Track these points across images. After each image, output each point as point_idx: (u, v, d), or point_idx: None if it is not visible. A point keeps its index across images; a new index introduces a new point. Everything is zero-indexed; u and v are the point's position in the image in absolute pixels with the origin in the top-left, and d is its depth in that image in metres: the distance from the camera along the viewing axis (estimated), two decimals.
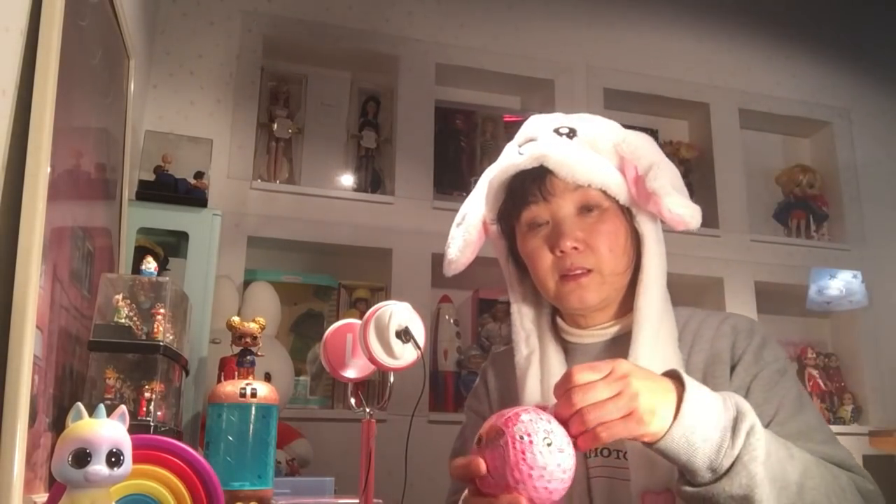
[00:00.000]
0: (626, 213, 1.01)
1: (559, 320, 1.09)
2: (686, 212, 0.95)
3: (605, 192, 0.98)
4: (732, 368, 0.96)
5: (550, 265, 1.00)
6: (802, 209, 2.91)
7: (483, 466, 0.71)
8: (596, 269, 0.98)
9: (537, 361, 1.04)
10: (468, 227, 1.12)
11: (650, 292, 0.98)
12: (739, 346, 0.98)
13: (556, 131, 1.02)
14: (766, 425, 0.87)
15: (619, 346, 1.00)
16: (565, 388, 0.75)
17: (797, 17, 3.11)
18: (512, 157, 1.03)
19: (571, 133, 1.02)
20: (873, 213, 2.95)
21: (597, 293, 0.99)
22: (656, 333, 0.96)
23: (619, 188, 0.99)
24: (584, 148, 1.00)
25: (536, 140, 1.03)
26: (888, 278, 2.84)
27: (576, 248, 0.97)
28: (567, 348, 1.06)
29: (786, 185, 2.95)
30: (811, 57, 3.06)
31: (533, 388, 1.03)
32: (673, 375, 0.80)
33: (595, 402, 0.73)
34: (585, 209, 0.99)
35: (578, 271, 0.98)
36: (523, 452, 0.68)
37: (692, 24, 2.94)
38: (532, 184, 1.00)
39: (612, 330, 1.04)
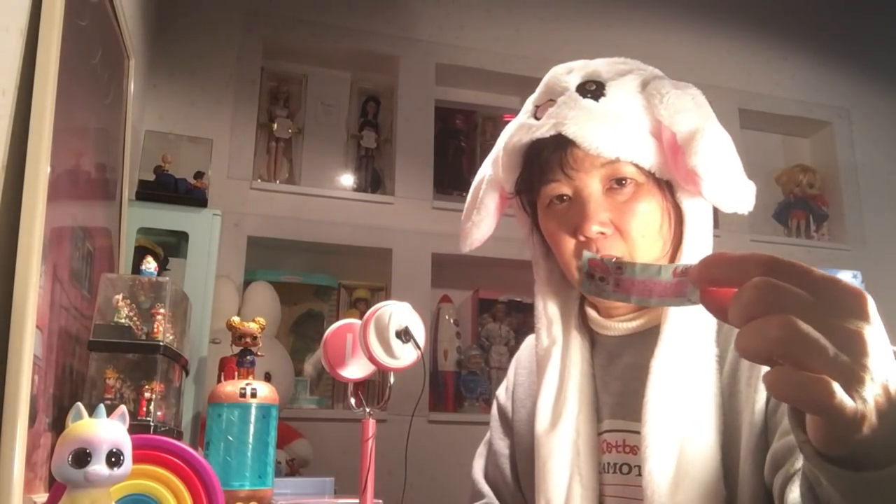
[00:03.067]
0: (666, 187, 0.86)
1: (588, 308, 0.95)
2: (730, 197, 0.80)
3: (638, 166, 0.83)
4: None
5: (574, 251, 0.85)
6: (802, 209, 2.91)
7: None
8: (627, 257, 0.83)
9: (558, 355, 0.93)
10: (483, 199, 0.97)
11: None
12: None
13: (582, 88, 0.86)
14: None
15: (652, 338, 0.85)
16: (757, 269, 0.42)
17: (797, 18, 3.11)
18: (528, 122, 0.89)
19: (598, 91, 0.85)
20: (873, 213, 2.95)
21: None
22: (688, 327, 0.81)
23: (654, 161, 0.83)
24: (613, 111, 0.83)
25: (556, 101, 0.87)
26: (888, 278, 2.83)
27: (602, 234, 0.83)
28: (595, 340, 0.94)
29: (786, 185, 2.95)
30: (811, 57, 3.06)
31: (550, 386, 0.92)
32: None
33: (801, 316, 0.39)
34: (617, 183, 0.83)
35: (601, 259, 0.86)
36: None
37: (692, 25, 2.94)
38: (552, 156, 0.85)
39: (640, 322, 0.89)
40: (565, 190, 0.86)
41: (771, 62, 3.01)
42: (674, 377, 0.81)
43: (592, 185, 0.84)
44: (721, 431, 0.79)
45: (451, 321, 2.42)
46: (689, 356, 0.80)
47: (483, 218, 0.97)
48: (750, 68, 2.96)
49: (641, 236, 0.83)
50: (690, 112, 0.82)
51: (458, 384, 2.39)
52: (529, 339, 1.07)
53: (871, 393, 0.39)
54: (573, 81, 0.88)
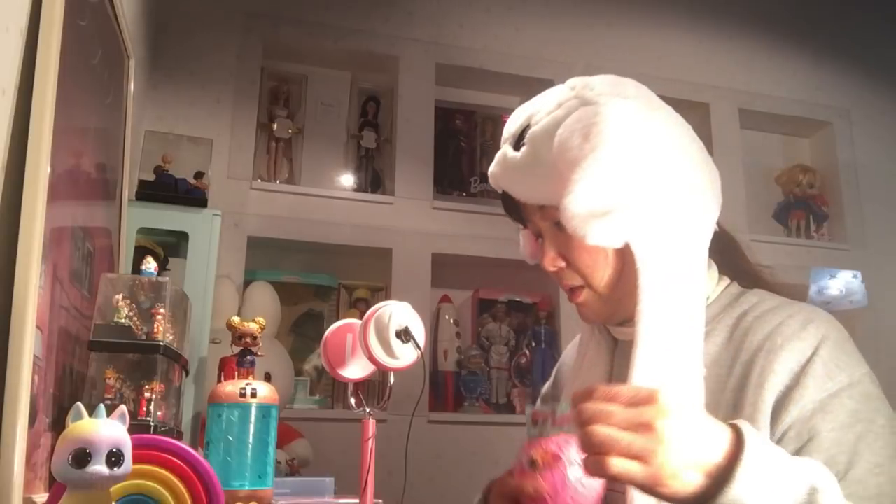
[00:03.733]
0: None
1: None
2: (590, 234, 0.79)
3: None
4: (784, 399, 0.77)
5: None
6: (802, 209, 2.91)
7: (542, 488, 0.70)
8: (586, 285, 0.88)
9: (582, 356, 0.97)
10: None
11: (646, 298, 0.80)
12: (808, 377, 0.77)
13: (515, 137, 0.91)
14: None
15: None
16: (581, 400, 0.64)
17: (797, 18, 3.10)
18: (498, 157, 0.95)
19: (519, 142, 0.89)
20: (873, 213, 2.94)
21: (597, 309, 0.90)
22: (664, 342, 0.80)
23: None
24: (530, 160, 0.86)
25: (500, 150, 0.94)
26: (888, 278, 2.83)
27: (556, 270, 0.89)
28: (618, 344, 0.94)
29: (786, 185, 2.95)
30: (811, 57, 3.06)
31: (569, 386, 0.97)
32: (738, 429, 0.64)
33: (607, 423, 0.61)
34: (559, 224, 0.84)
35: (571, 288, 0.90)
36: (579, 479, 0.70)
37: (692, 25, 2.94)
38: (510, 206, 0.94)
39: None
40: (534, 230, 0.93)
41: (771, 62, 3.01)
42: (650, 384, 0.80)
43: (544, 226, 0.90)
44: None
45: (451, 321, 2.42)
46: (664, 370, 0.79)
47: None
48: (750, 68, 2.96)
49: (588, 267, 0.87)
50: (573, 150, 0.80)
51: (458, 384, 2.39)
52: (575, 339, 1.11)
53: (667, 457, 0.60)
54: (508, 132, 0.94)
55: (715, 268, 0.94)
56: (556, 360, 1.18)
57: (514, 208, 0.94)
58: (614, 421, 0.61)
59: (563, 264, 0.89)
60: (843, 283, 2.73)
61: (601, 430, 0.61)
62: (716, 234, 0.89)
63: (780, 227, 2.94)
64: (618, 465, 0.60)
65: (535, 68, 2.65)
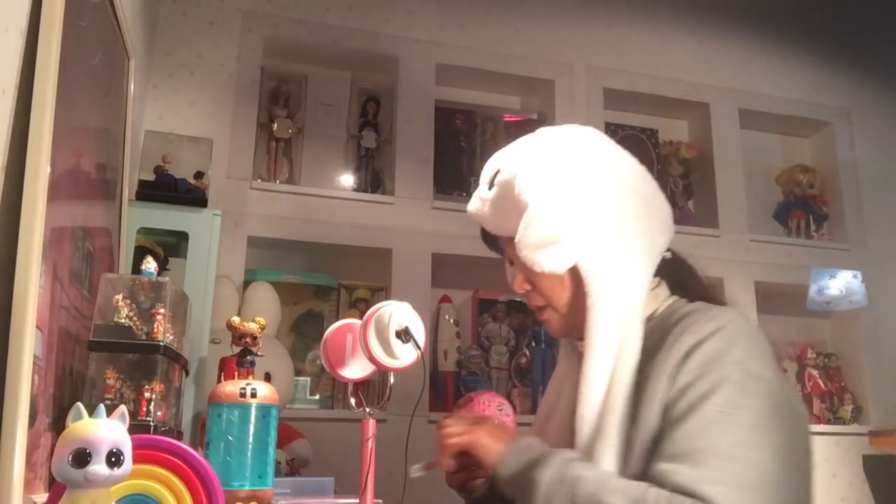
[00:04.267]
0: None
1: None
2: (538, 262, 0.96)
3: None
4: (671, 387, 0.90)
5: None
6: (802, 209, 2.91)
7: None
8: (548, 305, 1.03)
9: (559, 368, 1.17)
10: None
11: (592, 316, 0.95)
12: (685, 370, 0.90)
13: (489, 178, 1.05)
14: (658, 446, 0.87)
15: None
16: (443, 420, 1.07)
17: (797, 17, 3.10)
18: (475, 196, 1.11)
19: (492, 182, 1.04)
20: (873, 213, 2.94)
21: (560, 325, 1.05)
22: (605, 353, 0.94)
23: None
24: (499, 197, 1.02)
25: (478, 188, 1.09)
26: (888, 278, 2.83)
27: (524, 293, 1.05)
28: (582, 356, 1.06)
29: (786, 185, 2.95)
30: (811, 57, 3.06)
31: (548, 391, 1.19)
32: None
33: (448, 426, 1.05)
34: None
35: (536, 307, 1.06)
36: None
37: (692, 25, 2.94)
38: (487, 238, 1.10)
39: None
40: (507, 258, 1.09)
41: (771, 62, 3.01)
42: (592, 394, 0.95)
43: (513, 255, 1.02)
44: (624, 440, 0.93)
45: (451, 321, 2.41)
46: (602, 377, 0.94)
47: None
48: (750, 68, 2.96)
49: (548, 290, 1.01)
50: (526, 192, 0.97)
51: (458, 384, 2.39)
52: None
53: (475, 439, 1.01)
54: (486, 173, 1.07)
55: (664, 286, 1.05)
56: (556, 359, 1.22)
57: (491, 240, 1.10)
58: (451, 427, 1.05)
59: (528, 287, 1.04)
60: (843, 283, 2.73)
61: (446, 428, 1.05)
62: (669, 259, 1.05)
63: (780, 227, 2.94)
64: (452, 440, 1.03)
65: (535, 68, 2.65)
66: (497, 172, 1.03)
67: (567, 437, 1.00)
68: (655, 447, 0.88)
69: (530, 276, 1.01)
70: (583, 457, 0.93)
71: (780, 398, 0.88)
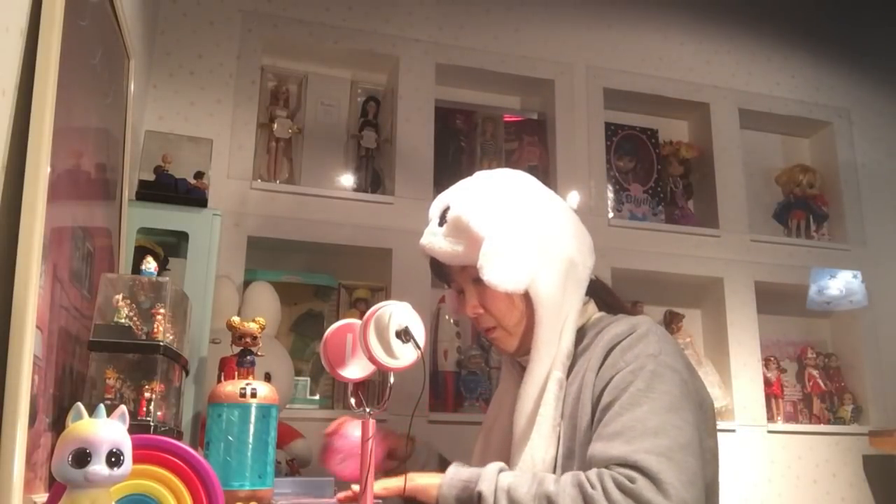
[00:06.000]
0: None
1: None
2: (507, 289, 1.11)
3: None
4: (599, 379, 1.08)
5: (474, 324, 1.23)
6: (802, 209, 2.91)
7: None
8: (498, 325, 1.18)
9: (500, 385, 1.31)
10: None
11: (540, 332, 1.12)
12: (609, 363, 1.08)
13: (440, 215, 1.19)
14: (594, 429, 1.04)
15: None
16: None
17: (797, 17, 3.10)
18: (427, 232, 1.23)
19: (443, 218, 1.18)
20: (873, 213, 2.94)
21: (509, 343, 1.19)
22: (546, 360, 1.12)
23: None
24: (452, 231, 1.15)
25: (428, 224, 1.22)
26: (888, 278, 2.83)
27: (476, 316, 1.19)
28: (524, 369, 1.19)
29: (786, 185, 2.95)
30: (811, 57, 3.06)
31: (491, 405, 1.33)
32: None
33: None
34: (477, 280, 1.14)
35: (486, 328, 1.20)
36: None
37: (692, 25, 2.94)
38: (436, 269, 1.24)
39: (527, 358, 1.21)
40: (457, 287, 1.24)
41: (771, 62, 3.01)
42: (531, 391, 1.13)
43: (465, 282, 1.20)
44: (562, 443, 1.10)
45: (451, 321, 2.41)
46: (538, 386, 1.11)
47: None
48: (750, 68, 2.96)
49: (501, 311, 1.16)
50: (481, 225, 1.12)
51: (458, 384, 2.39)
52: None
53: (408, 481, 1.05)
54: (437, 209, 1.21)
55: (593, 303, 1.23)
56: None
57: (440, 271, 1.24)
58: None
59: (481, 311, 1.18)
60: (843, 283, 2.73)
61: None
62: (594, 280, 1.23)
63: (780, 227, 2.94)
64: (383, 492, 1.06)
65: (535, 68, 2.65)
66: (447, 209, 1.17)
67: (508, 443, 1.14)
68: (593, 431, 1.04)
69: (483, 300, 1.16)
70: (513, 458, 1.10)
71: (691, 387, 1.07)
